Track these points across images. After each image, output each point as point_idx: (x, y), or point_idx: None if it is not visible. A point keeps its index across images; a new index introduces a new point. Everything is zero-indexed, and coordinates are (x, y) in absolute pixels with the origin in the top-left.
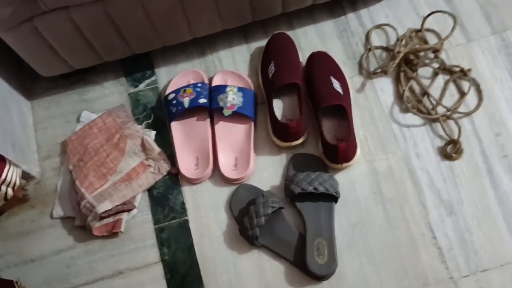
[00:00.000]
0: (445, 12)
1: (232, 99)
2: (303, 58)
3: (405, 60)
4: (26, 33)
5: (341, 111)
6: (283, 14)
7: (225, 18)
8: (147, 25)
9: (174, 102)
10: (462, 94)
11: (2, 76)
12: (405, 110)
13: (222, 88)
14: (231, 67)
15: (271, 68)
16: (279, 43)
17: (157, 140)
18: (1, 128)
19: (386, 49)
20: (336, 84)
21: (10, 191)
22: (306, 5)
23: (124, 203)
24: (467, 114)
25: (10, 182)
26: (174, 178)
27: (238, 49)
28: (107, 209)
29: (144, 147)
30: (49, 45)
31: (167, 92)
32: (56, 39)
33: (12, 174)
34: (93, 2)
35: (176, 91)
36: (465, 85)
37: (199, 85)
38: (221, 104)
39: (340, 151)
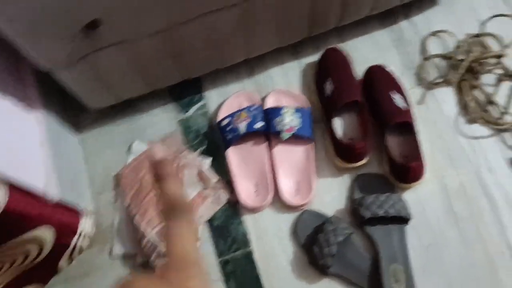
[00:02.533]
0: (506, 15)
1: (290, 120)
2: (356, 71)
3: (467, 68)
4: (80, 69)
5: (406, 127)
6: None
7: (282, 36)
8: (206, 49)
9: (229, 128)
10: None
11: (51, 112)
12: (471, 120)
13: (277, 110)
14: (283, 86)
15: (329, 86)
16: (333, 59)
17: (213, 167)
18: (59, 167)
19: (444, 57)
20: (398, 100)
21: (86, 242)
22: (361, 16)
23: None
24: None
25: (86, 234)
26: (234, 207)
27: (288, 66)
28: None
29: (201, 176)
30: (102, 78)
31: (220, 117)
32: (110, 72)
33: (86, 225)
34: (156, 32)
35: (231, 116)
36: None
37: (253, 108)
38: (278, 127)
39: (412, 171)
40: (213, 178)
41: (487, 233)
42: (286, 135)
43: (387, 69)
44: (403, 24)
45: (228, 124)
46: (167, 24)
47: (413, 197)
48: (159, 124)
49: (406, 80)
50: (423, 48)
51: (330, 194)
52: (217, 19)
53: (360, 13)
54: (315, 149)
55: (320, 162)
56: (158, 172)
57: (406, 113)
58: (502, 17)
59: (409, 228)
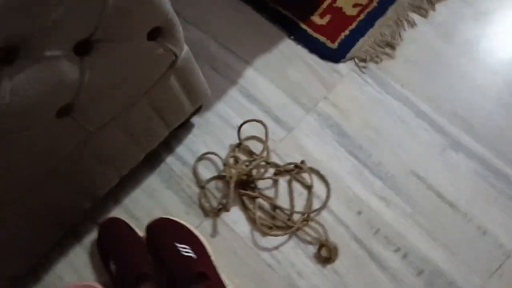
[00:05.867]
0: (251, 121)
1: None
2: (143, 228)
3: (241, 183)
4: None
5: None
6: None
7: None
8: None
9: None
10: (309, 188)
11: None
12: (264, 233)
13: None
14: (75, 279)
15: (113, 266)
16: (108, 234)
17: None
18: None
19: (219, 178)
20: (185, 249)
21: None
22: (112, 185)
23: None
24: (322, 207)
25: None
26: None
27: (73, 254)
28: None
29: None
30: None
31: None
32: None
33: None
34: None
35: None
36: (308, 177)
37: None
38: None
39: None
40: None
41: None
42: None
43: (167, 217)
44: (170, 160)
45: None
46: None
47: None
48: None
49: (192, 218)
50: (196, 178)
51: None
52: None
53: (109, 182)
54: None
55: None
56: None
57: (197, 260)
58: (252, 122)
59: None
